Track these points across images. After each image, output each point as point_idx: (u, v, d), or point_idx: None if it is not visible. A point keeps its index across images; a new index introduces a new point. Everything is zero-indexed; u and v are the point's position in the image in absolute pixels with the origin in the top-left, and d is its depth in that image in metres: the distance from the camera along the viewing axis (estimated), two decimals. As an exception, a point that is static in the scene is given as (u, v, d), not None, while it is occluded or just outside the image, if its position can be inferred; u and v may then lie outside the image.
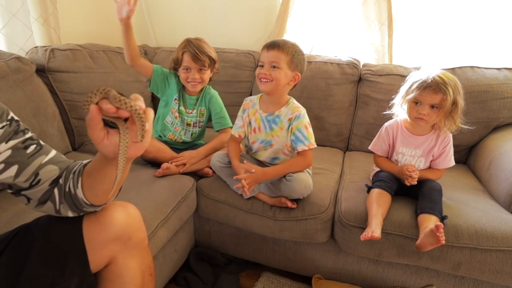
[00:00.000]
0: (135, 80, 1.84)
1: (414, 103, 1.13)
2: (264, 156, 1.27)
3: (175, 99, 1.42)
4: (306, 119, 1.17)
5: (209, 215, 1.33)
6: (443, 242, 0.95)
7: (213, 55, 1.38)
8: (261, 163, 1.29)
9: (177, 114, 1.43)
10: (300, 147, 1.16)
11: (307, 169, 1.26)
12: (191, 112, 1.45)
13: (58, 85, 1.50)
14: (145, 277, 0.76)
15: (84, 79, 1.57)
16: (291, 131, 1.18)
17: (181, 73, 1.37)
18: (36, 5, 1.53)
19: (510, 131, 1.44)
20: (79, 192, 0.63)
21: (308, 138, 1.16)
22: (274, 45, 1.11)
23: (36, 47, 1.53)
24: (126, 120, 0.51)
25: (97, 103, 0.49)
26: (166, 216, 1.12)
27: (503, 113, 1.47)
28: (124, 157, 0.52)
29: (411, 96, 1.12)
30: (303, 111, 1.18)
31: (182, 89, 1.44)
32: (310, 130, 1.18)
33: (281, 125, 1.19)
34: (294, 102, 1.22)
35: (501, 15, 1.61)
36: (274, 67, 1.11)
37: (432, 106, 1.10)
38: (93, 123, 0.50)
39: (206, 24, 2.10)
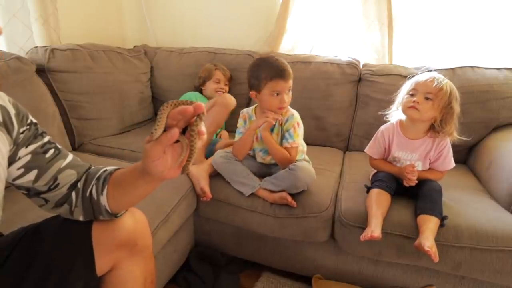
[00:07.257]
0: (135, 80, 1.84)
1: (410, 95, 1.14)
2: (265, 161, 1.32)
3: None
4: (294, 120, 1.24)
5: (209, 214, 1.33)
6: (436, 260, 0.95)
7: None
8: (264, 166, 1.32)
9: None
10: (284, 145, 1.24)
11: (306, 157, 1.31)
12: None
13: (58, 85, 1.50)
14: (146, 284, 0.77)
15: (84, 79, 1.57)
16: (283, 133, 1.25)
17: (211, 84, 1.77)
18: (36, 5, 1.53)
19: (510, 131, 1.44)
20: (103, 199, 0.64)
21: (293, 137, 1.23)
22: (289, 75, 1.19)
23: (36, 47, 1.53)
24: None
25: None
26: (166, 215, 1.12)
27: (503, 113, 1.47)
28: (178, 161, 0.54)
29: (408, 88, 1.15)
30: (291, 113, 1.25)
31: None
32: (298, 130, 1.25)
33: (276, 131, 1.26)
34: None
35: (501, 15, 1.61)
36: (288, 91, 1.22)
37: (427, 98, 1.10)
38: (167, 141, 0.50)
39: (206, 24, 2.10)
